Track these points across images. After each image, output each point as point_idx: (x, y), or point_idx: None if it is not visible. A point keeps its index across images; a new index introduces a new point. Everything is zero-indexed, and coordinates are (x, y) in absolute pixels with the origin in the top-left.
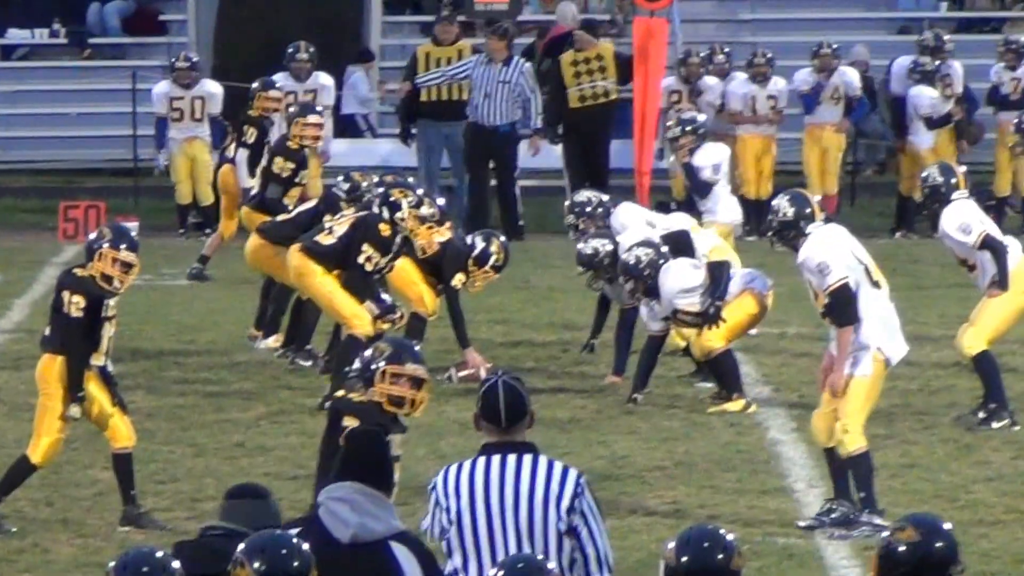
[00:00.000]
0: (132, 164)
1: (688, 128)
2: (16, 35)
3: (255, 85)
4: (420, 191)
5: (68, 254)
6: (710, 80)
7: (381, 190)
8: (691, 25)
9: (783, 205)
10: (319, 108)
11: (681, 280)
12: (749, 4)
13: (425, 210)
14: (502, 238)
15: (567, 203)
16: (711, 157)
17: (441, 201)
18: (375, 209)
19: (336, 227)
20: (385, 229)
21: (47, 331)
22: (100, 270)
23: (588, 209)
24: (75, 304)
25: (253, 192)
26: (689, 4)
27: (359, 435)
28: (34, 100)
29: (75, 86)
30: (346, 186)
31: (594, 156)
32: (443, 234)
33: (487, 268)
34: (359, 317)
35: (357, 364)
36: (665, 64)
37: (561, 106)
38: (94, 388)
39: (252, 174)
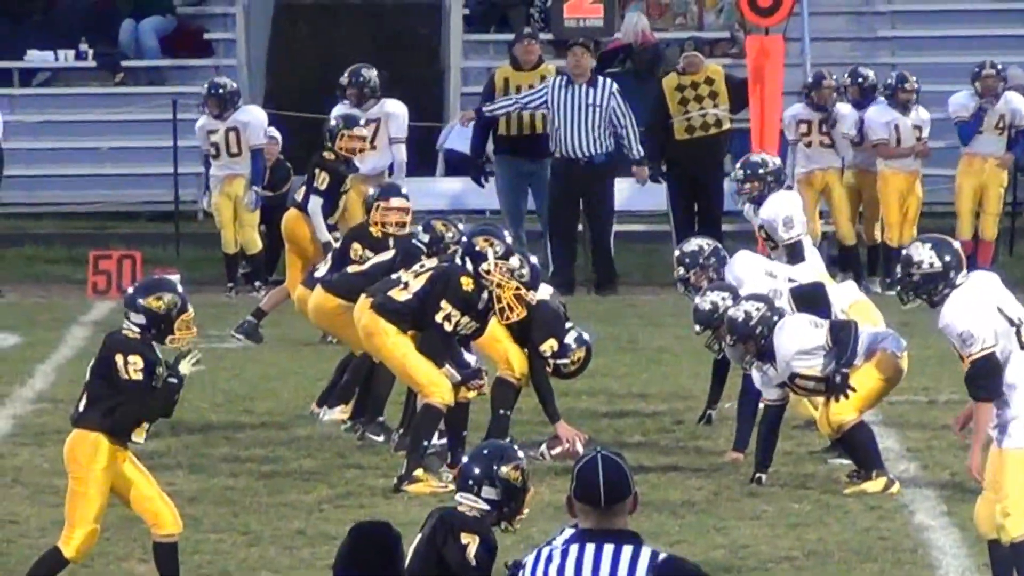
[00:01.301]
0: (173, 207)
1: (754, 172)
2: (37, 57)
3: (334, 122)
4: (509, 240)
5: (98, 312)
6: (844, 108)
7: (465, 239)
8: (821, 44)
9: (923, 254)
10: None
11: (799, 340)
12: (888, 19)
13: (516, 263)
14: (589, 343)
15: (676, 253)
16: (781, 207)
17: (534, 259)
18: (457, 260)
19: (412, 282)
20: (467, 283)
21: (81, 404)
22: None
23: (700, 259)
24: (133, 365)
25: (323, 272)
26: (819, 19)
27: (368, 530)
28: (59, 132)
29: (106, 116)
30: (426, 237)
31: (704, 196)
32: (533, 297)
33: (565, 360)
34: (437, 384)
35: (474, 468)
36: (781, 88)
37: (664, 138)
38: (131, 469)
39: (329, 226)
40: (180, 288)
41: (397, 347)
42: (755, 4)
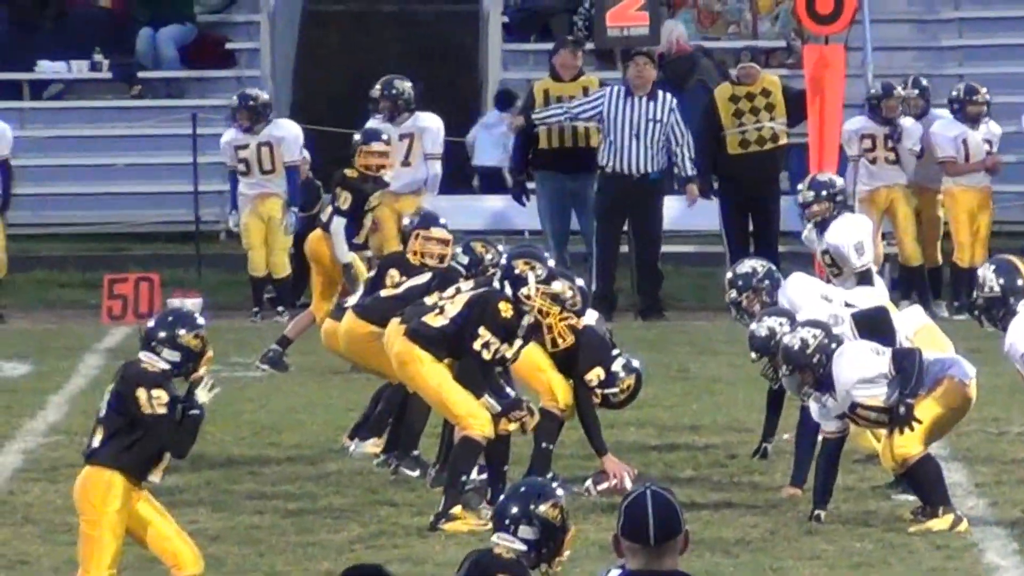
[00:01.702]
0: (193, 227)
1: (824, 192)
2: (48, 68)
3: (356, 137)
4: (552, 262)
5: (114, 338)
6: (908, 121)
7: (504, 262)
8: (883, 54)
9: (989, 277)
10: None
11: (859, 368)
12: (955, 27)
13: (559, 287)
14: (639, 374)
15: (728, 275)
16: (851, 233)
17: (580, 282)
18: (496, 284)
19: (448, 306)
20: (506, 309)
21: (95, 439)
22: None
23: (753, 282)
24: (158, 400)
25: (356, 299)
26: (882, 27)
27: (360, 571)
28: (71, 148)
29: (122, 131)
30: (465, 259)
31: (760, 215)
32: (580, 324)
33: (607, 391)
34: (476, 415)
35: (510, 507)
36: (842, 100)
37: (716, 152)
38: (147, 508)
39: (352, 246)
40: (202, 320)
41: (432, 376)
42: (814, 11)
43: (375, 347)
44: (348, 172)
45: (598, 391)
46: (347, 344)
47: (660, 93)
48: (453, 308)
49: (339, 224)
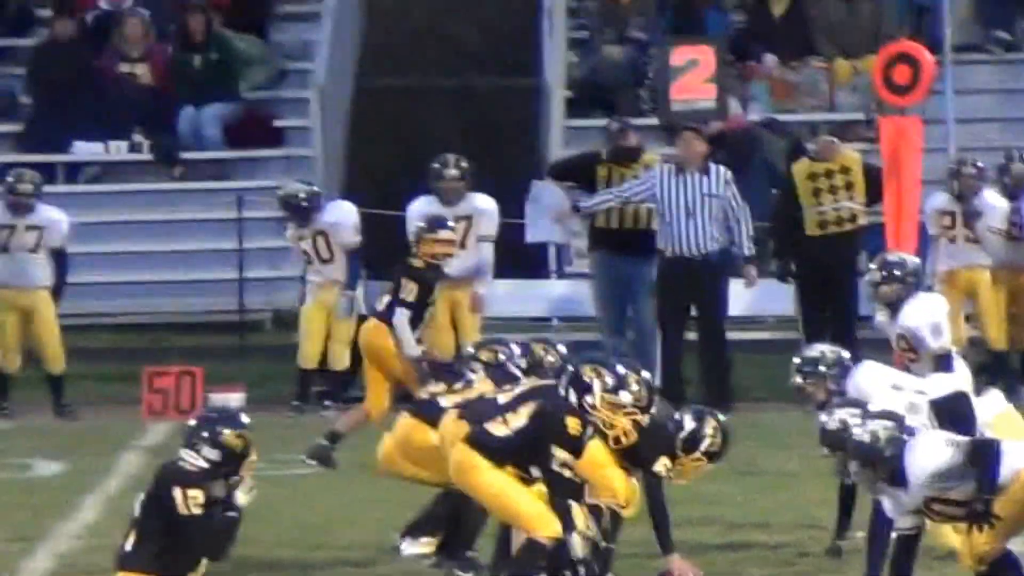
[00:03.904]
0: (237, 316)
1: (896, 273)
2: (84, 150)
3: (421, 224)
4: (621, 370)
5: (155, 436)
6: (991, 198)
7: (571, 368)
8: (966, 126)
9: None
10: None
11: (934, 460)
12: None
13: (627, 398)
14: (720, 417)
15: (794, 360)
16: (926, 314)
17: (647, 374)
18: (560, 390)
19: (511, 416)
20: (574, 425)
21: (128, 542)
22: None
23: (820, 368)
24: (193, 500)
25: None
26: (965, 98)
27: None
28: (110, 235)
29: (163, 215)
30: (523, 362)
31: (839, 299)
32: (645, 420)
33: (699, 454)
34: (543, 516)
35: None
36: (920, 176)
37: (795, 232)
38: None
39: (418, 338)
40: (246, 419)
41: (493, 482)
42: (890, 81)
43: (431, 452)
44: (414, 262)
45: (689, 462)
46: (401, 442)
47: (713, 167)
48: (517, 420)
49: (403, 316)
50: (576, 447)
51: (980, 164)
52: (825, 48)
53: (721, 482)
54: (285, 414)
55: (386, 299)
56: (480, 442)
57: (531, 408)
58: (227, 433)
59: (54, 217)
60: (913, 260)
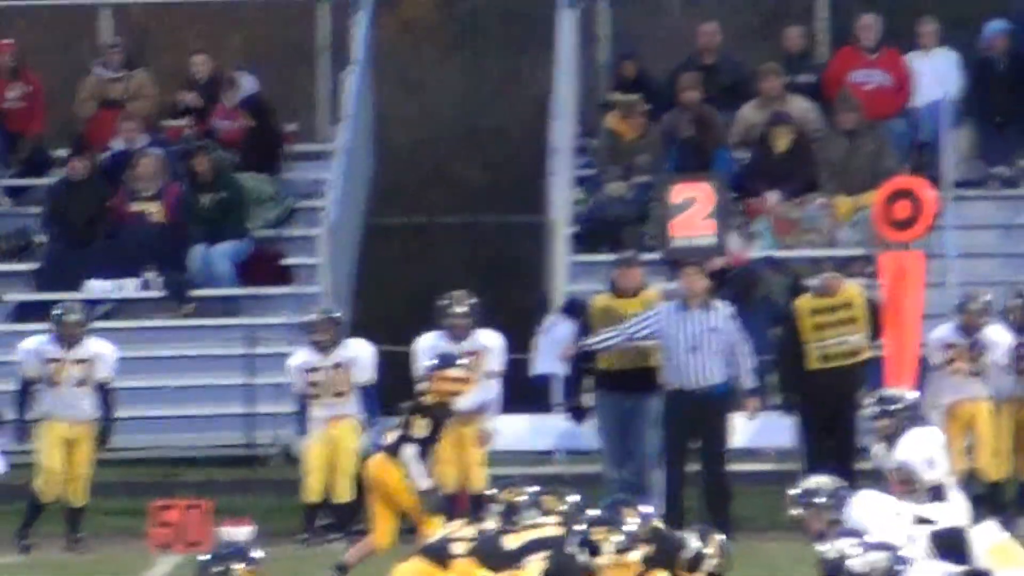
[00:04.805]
0: (245, 451)
1: (890, 408)
2: (97, 288)
3: (433, 361)
4: (630, 527)
5: (162, 569)
6: (995, 333)
7: (583, 527)
8: (967, 261)
9: None
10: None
11: None
12: None
13: (635, 557)
14: (721, 536)
15: (791, 491)
16: (920, 447)
17: (650, 509)
18: (568, 548)
19: (518, 573)
20: None
21: None
22: None
23: (817, 499)
24: None
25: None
26: (965, 234)
27: None
28: (120, 370)
29: (173, 351)
30: (499, 508)
31: (839, 432)
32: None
33: (702, 574)
34: None
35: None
36: (922, 311)
37: (798, 367)
38: None
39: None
40: (259, 553)
41: None
42: (891, 216)
43: None
44: (426, 399)
45: None
46: None
47: (715, 303)
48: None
49: (411, 451)
50: None
51: (987, 298)
52: (827, 184)
53: None
54: (291, 547)
55: (395, 434)
56: None
57: (539, 564)
58: (238, 569)
59: (102, 350)
60: (910, 395)
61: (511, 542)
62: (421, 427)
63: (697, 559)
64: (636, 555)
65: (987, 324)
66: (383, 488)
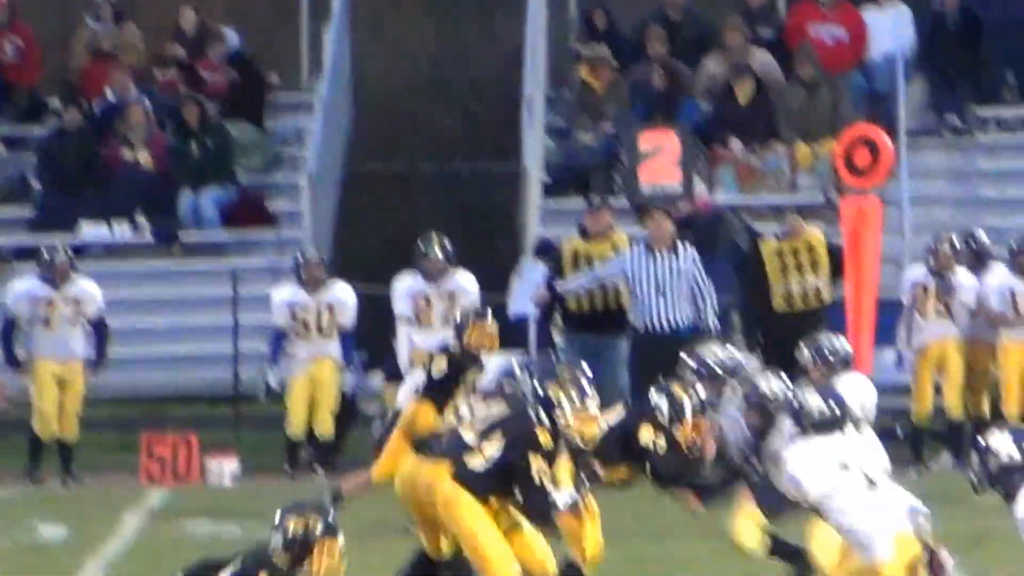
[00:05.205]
0: (232, 389)
1: (823, 355)
2: (90, 231)
3: (468, 314)
4: (586, 383)
5: (152, 500)
6: (963, 276)
7: (537, 391)
8: (921, 207)
9: (1004, 444)
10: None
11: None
12: (992, 181)
13: (594, 407)
14: (677, 379)
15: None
16: (852, 396)
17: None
18: (529, 411)
19: (485, 446)
20: (545, 439)
21: None
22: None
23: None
24: None
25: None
26: (918, 181)
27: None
28: (112, 311)
29: (162, 293)
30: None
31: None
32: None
33: (689, 417)
34: (504, 564)
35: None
36: (879, 254)
37: (761, 308)
38: None
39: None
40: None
41: (471, 518)
42: (851, 164)
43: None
44: (453, 346)
45: (690, 429)
46: (405, 484)
47: (680, 245)
48: (490, 449)
49: (417, 379)
50: (550, 457)
51: (957, 243)
52: (787, 133)
53: (691, 543)
54: (276, 480)
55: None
56: (461, 477)
57: (502, 439)
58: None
59: (90, 289)
60: (843, 346)
61: (469, 434)
62: (440, 367)
63: (677, 408)
64: (594, 405)
65: (957, 267)
66: (412, 432)
